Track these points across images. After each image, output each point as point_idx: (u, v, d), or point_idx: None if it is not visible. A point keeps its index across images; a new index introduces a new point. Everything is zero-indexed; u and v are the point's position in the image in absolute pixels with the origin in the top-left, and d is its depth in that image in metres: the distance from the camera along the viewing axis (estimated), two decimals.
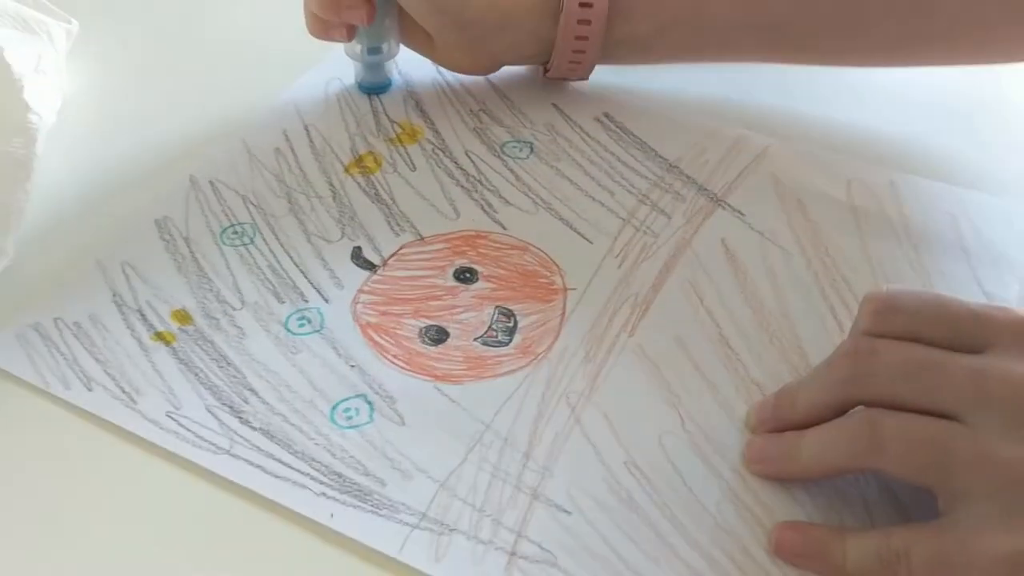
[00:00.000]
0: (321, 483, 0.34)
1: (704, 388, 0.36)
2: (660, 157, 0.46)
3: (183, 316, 0.39)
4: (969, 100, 0.49)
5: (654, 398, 0.36)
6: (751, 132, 0.47)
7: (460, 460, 0.34)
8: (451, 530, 0.32)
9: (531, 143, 0.47)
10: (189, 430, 0.35)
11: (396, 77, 0.51)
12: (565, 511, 0.33)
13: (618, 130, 0.47)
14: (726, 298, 0.40)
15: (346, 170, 0.46)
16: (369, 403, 0.36)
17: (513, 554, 0.32)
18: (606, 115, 0.48)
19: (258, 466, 0.34)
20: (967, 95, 0.50)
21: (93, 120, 0.49)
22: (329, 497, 0.33)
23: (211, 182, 0.45)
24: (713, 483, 0.33)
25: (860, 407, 0.31)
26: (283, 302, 0.40)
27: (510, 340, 0.38)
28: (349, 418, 0.36)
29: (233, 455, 0.35)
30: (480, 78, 0.50)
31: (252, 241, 0.42)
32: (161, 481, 0.34)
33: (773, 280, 0.40)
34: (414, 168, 0.46)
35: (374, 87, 0.50)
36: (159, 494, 0.34)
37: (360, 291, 0.40)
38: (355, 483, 0.34)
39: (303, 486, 0.34)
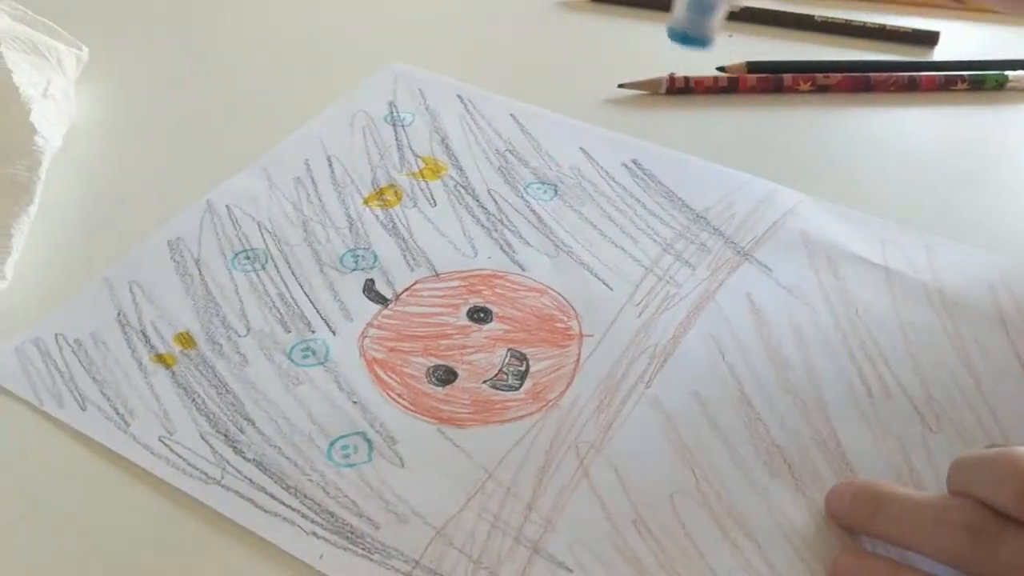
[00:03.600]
0: (312, 521, 0.32)
1: (721, 447, 0.35)
2: (687, 207, 0.44)
3: (186, 339, 0.38)
4: (1009, 167, 0.48)
5: (668, 454, 0.34)
6: (782, 187, 0.45)
7: (459, 507, 0.33)
8: None
9: (556, 185, 0.46)
10: (181, 457, 0.34)
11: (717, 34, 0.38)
12: (566, 568, 0.31)
13: (645, 177, 0.46)
14: (749, 354, 0.38)
15: (365, 202, 0.45)
16: (368, 441, 0.35)
17: None
18: (634, 161, 0.47)
19: (248, 499, 0.33)
20: (1008, 162, 0.48)
21: (102, 145, 0.48)
22: (320, 537, 0.32)
23: (227, 207, 0.44)
24: (725, 549, 0.31)
25: None
26: (289, 331, 0.39)
27: (520, 384, 0.37)
28: (347, 456, 0.34)
29: (224, 486, 0.33)
30: (508, 117, 0.49)
31: (264, 267, 0.41)
32: (149, 508, 0.33)
33: (799, 338, 0.38)
34: (434, 204, 0.45)
35: (689, 39, 0.38)
36: (145, 522, 0.32)
37: (369, 325, 0.39)
38: (347, 524, 0.32)
39: (293, 523, 0.32)
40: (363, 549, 0.31)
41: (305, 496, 0.33)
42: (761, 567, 0.31)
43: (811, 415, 0.36)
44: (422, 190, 0.45)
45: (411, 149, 0.48)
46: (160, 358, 0.38)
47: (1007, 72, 0.52)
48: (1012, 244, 0.43)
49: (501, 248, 0.42)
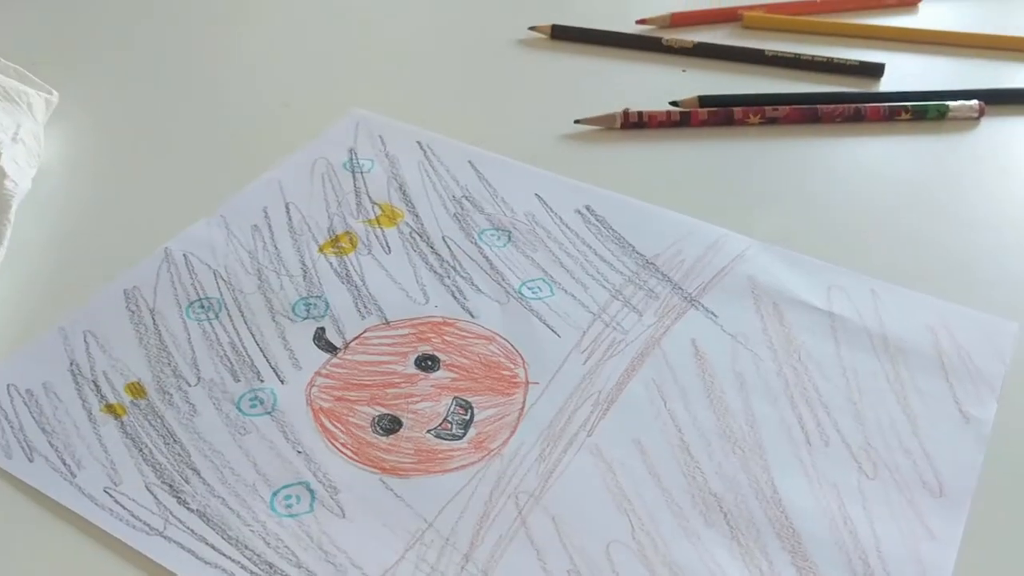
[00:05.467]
0: (251, 572, 0.32)
1: (659, 496, 0.35)
2: (637, 253, 0.45)
3: (137, 389, 0.39)
4: (947, 193, 0.49)
5: (606, 503, 0.35)
6: (733, 232, 0.46)
7: (397, 558, 0.33)
8: None
9: (509, 232, 0.46)
10: (125, 508, 0.34)
11: None
12: None
13: (598, 223, 0.47)
14: (690, 402, 0.38)
15: (320, 249, 0.45)
16: (311, 491, 0.35)
17: None
18: (588, 208, 0.48)
19: (190, 550, 0.33)
20: (954, 209, 0.49)
21: (70, 188, 0.49)
22: None
23: (185, 255, 0.45)
24: None
25: None
26: (239, 380, 0.39)
27: (464, 433, 0.37)
28: (289, 506, 0.35)
29: (166, 537, 0.34)
30: (467, 164, 0.50)
31: (217, 316, 0.42)
32: (93, 560, 0.33)
33: (741, 385, 0.39)
34: (389, 251, 0.45)
35: None
36: (89, 574, 0.33)
37: (317, 374, 0.39)
38: (286, 575, 0.32)
39: (232, 574, 0.32)
40: None
41: (245, 547, 0.33)
42: None
43: (748, 463, 0.36)
44: (377, 237, 0.46)
45: (368, 196, 0.49)
46: (110, 408, 0.38)
47: (948, 103, 0.54)
48: (958, 290, 0.43)
49: (452, 295, 0.43)
